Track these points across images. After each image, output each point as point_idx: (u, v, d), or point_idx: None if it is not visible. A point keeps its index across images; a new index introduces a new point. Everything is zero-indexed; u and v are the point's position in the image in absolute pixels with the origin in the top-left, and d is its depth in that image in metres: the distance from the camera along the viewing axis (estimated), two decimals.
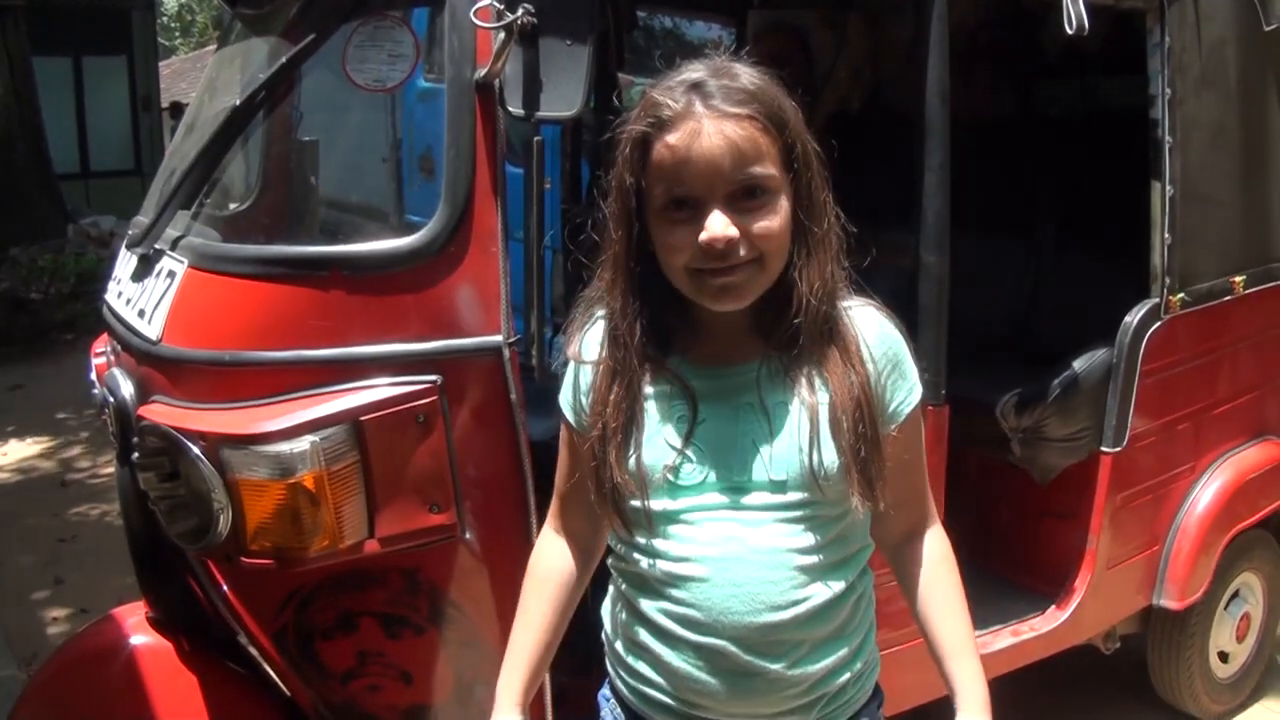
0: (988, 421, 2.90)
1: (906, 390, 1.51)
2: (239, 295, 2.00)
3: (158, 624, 2.28)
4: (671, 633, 1.48)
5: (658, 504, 1.46)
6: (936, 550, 1.61)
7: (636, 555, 1.50)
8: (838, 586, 1.48)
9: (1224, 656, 3.42)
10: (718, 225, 1.34)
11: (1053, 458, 2.95)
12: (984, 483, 3.16)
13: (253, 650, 2.13)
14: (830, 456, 1.42)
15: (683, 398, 1.46)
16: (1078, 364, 2.89)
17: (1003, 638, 2.84)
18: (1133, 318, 2.90)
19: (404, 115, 2.60)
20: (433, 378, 1.95)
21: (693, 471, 1.45)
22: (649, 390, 1.47)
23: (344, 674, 2.05)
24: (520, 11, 1.83)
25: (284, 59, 2.12)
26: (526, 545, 2.02)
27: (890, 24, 3.89)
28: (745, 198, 1.36)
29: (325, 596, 2.00)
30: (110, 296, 2.38)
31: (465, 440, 1.97)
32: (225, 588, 2.04)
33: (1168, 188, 2.85)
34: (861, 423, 1.43)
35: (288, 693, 2.16)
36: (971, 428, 2.76)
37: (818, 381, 1.43)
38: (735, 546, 1.44)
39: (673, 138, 1.35)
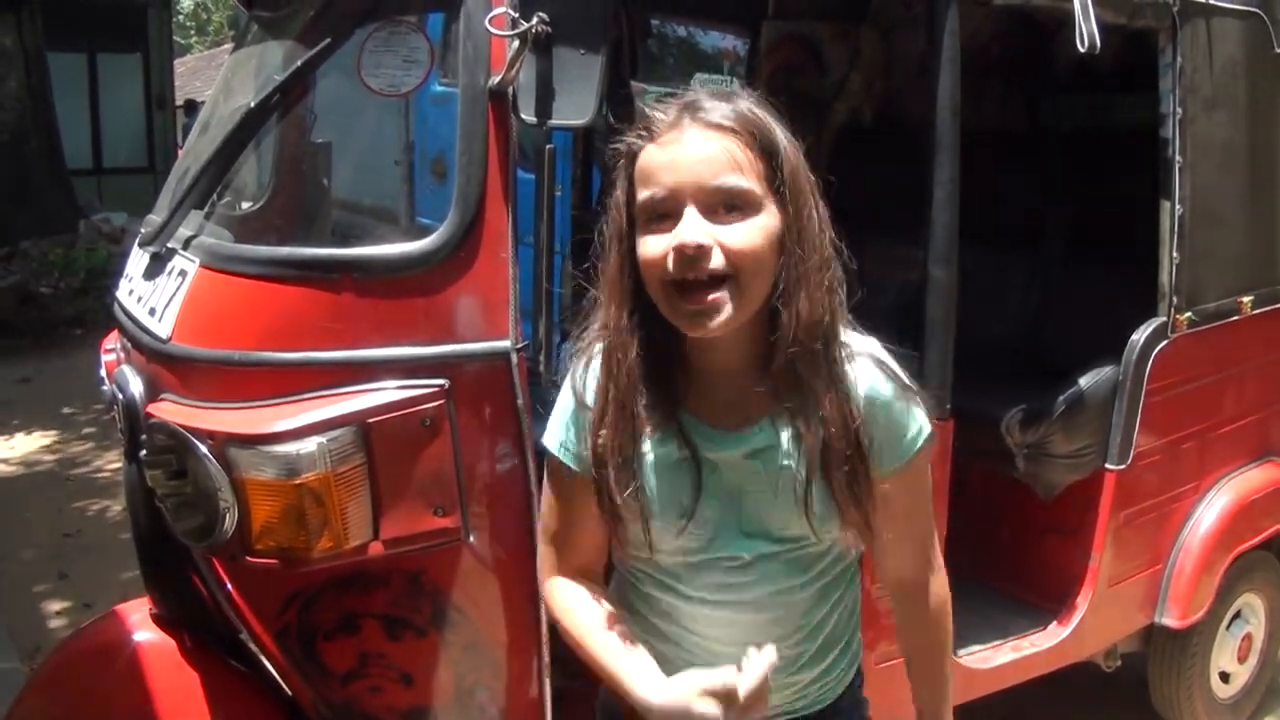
0: (993, 436, 2.90)
1: (904, 446, 1.49)
2: (250, 296, 2.01)
3: (161, 621, 2.29)
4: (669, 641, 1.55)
5: (664, 561, 1.50)
6: (934, 602, 1.64)
7: (651, 582, 1.56)
8: (824, 607, 1.54)
9: (1225, 677, 3.42)
10: (687, 229, 1.34)
11: (1057, 474, 2.95)
12: (988, 497, 3.16)
13: (255, 649, 2.13)
14: (825, 506, 1.43)
15: (688, 466, 1.45)
16: (1084, 381, 2.89)
17: (1004, 653, 2.84)
18: (1140, 336, 2.90)
19: (417, 119, 2.61)
20: (440, 382, 1.95)
21: (698, 535, 1.47)
22: (652, 444, 1.45)
23: (345, 675, 2.06)
24: (534, 20, 1.84)
25: (299, 62, 2.13)
26: (530, 550, 2.03)
27: (902, 37, 3.90)
28: (725, 210, 1.35)
29: (328, 597, 2.01)
30: (121, 294, 2.39)
31: (471, 444, 1.98)
32: (229, 586, 2.04)
33: (1177, 207, 2.86)
34: (855, 466, 1.42)
35: (289, 692, 2.16)
36: (976, 442, 2.76)
37: (814, 425, 1.40)
38: (733, 595, 1.49)
39: (657, 144, 1.38)
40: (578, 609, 1.54)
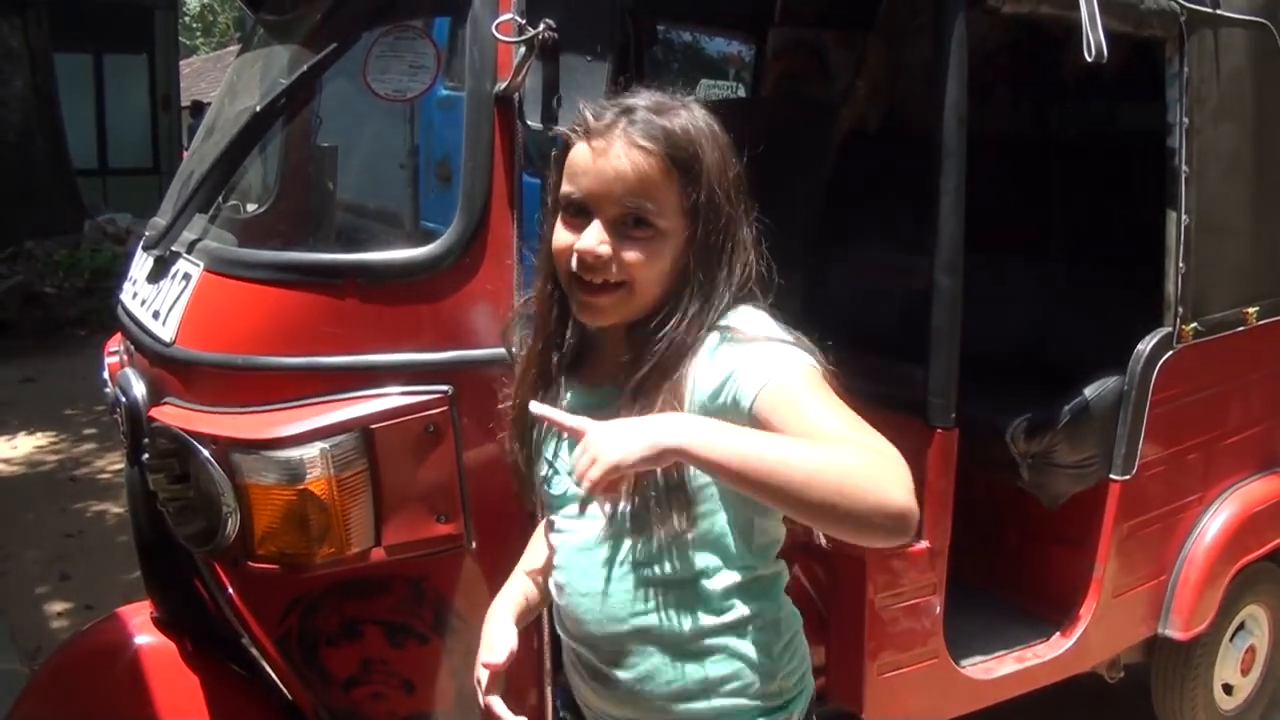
0: (997, 445, 2.89)
1: (753, 387, 1.34)
2: (253, 300, 2.01)
3: (162, 624, 2.29)
4: (562, 626, 1.61)
5: (545, 510, 1.61)
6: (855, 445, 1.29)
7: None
8: (682, 608, 1.48)
9: (1228, 689, 3.41)
10: (590, 238, 1.43)
11: (1061, 484, 2.94)
12: (992, 507, 3.15)
13: (256, 654, 2.13)
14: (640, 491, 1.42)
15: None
16: (1089, 391, 2.88)
17: (1007, 664, 2.83)
18: (1145, 346, 2.90)
19: (423, 122, 2.60)
20: (444, 388, 1.95)
21: (559, 483, 1.55)
22: (546, 393, 1.56)
23: (347, 681, 2.06)
24: (541, 26, 1.85)
25: (305, 66, 2.14)
26: None
27: (909, 45, 3.89)
28: (631, 224, 1.43)
29: (330, 603, 2.01)
30: (125, 297, 2.39)
31: (474, 451, 1.98)
32: (231, 591, 2.04)
33: (1183, 217, 2.85)
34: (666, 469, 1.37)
35: (290, 697, 2.16)
36: (981, 451, 2.75)
37: (641, 406, 1.41)
38: (585, 558, 1.53)
39: (585, 145, 1.44)
40: (514, 573, 1.75)
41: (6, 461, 6.22)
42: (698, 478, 1.43)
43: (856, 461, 1.23)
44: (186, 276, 2.11)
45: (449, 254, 1.97)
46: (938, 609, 2.56)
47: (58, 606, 4.39)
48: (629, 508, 1.44)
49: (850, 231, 3.49)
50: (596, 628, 1.53)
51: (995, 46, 3.91)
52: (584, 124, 1.46)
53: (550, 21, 1.86)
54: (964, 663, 2.73)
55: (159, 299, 2.17)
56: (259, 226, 2.50)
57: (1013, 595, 3.13)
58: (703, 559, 1.48)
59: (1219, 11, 2.91)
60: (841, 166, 3.76)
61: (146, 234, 2.38)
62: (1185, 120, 2.82)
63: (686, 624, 1.49)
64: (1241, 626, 3.39)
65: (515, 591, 1.71)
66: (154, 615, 2.31)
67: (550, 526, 1.60)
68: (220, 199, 2.27)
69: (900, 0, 3.79)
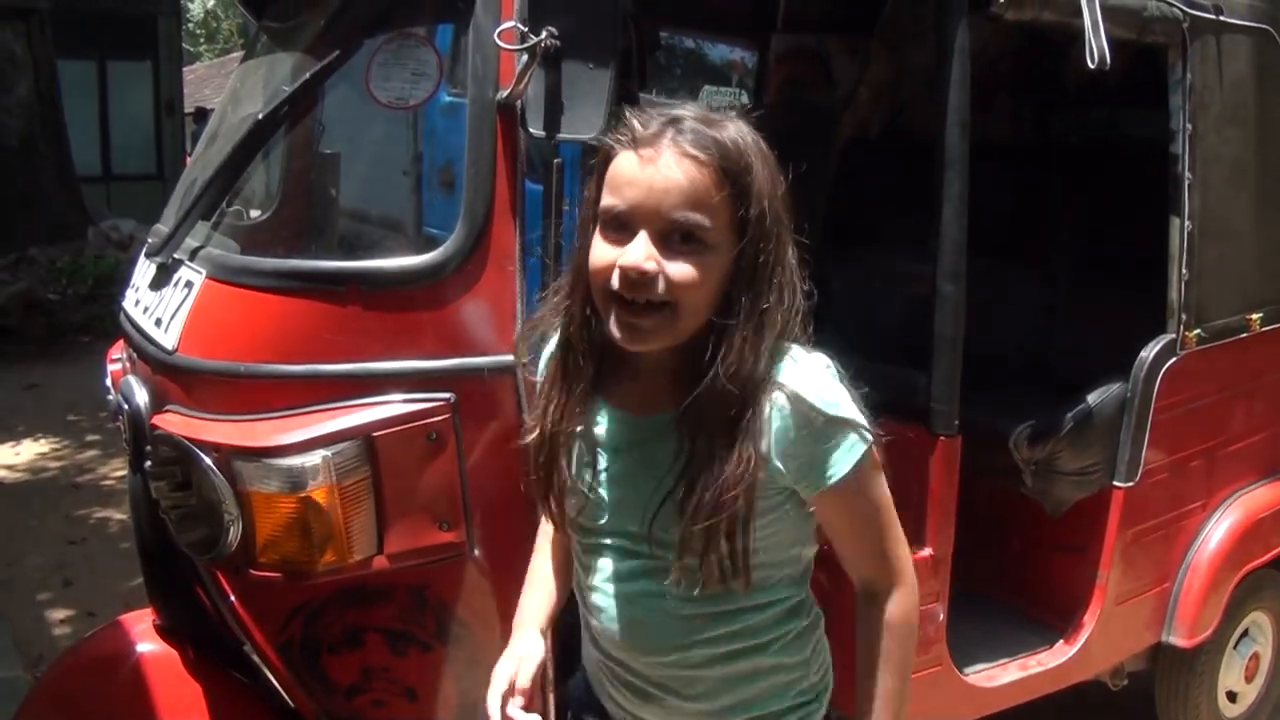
0: (1000, 452, 2.89)
1: (831, 461, 1.42)
2: (256, 307, 2.01)
3: (164, 632, 2.29)
4: (594, 642, 1.59)
5: (574, 539, 1.55)
6: (891, 615, 1.52)
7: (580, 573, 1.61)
8: (729, 636, 1.49)
9: (1232, 696, 3.40)
10: (636, 253, 1.34)
11: (1065, 491, 2.93)
12: (995, 514, 3.14)
13: (258, 661, 2.13)
14: (699, 535, 1.39)
15: (597, 441, 1.49)
16: (1092, 397, 2.88)
17: (1010, 671, 2.82)
18: (1148, 352, 2.89)
19: (425, 128, 2.61)
20: (446, 395, 1.95)
21: (597, 514, 1.50)
22: (576, 422, 1.49)
23: (349, 689, 2.05)
24: (544, 34, 1.84)
25: (308, 73, 2.14)
26: None
27: (912, 52, 3.89)
28: (679, 240, 1.35)
29: (332, 611, 2.01)
30: (128, 304, 2.39)
31: (477, 459, 1.98)
32: (233, 598, 2.04)
33: (1186, 223, 2.85)
34: (734, 512, 1.38)
35: (292, 705, 2.16)
36: (984, 458, 2.75)
37: (712, 448, 1.38)
38: (624, 589, 1.50)
39: (631, 155, 1.37)
40: (531, 575, 1.72)
41: (10, 468, 6.22)
42: (760, 554, 1.44)
43: (909, 640, 1.56)
44: (189, 284, 2.11)
45: (451, 261, 1.97)
46: (941, 616, 2.56)
47: (60, 614, 4.39)
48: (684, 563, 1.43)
49: (853, 237, 3.49)
50: (637, 655, 1.51)
51: (998, 53, 3.91)
52: (630, 132, 1.38)
53: (553, 29, 1.85)
54: (967, 670, 2.72)
55: (161, 306, 2.17)
56: (261, 234, 2.50)
57: (1016, 602, 3.12)
58: (751, 597, 1.49)
59: (1222, 18, 2.91)
60: (844, 172, 3.76)
61: (149, 241, 2.38)
62: (1188, 126, 2.82)
63: (733, 650, 1.50)
64: (1245, 634, 3.38)
65: (540, 600, 1.68)
66: (156, 623, 2.31)
67: (583, 549, 1.56)
68: (223, 206, 2.27)
69: (903, 6, 3.79)
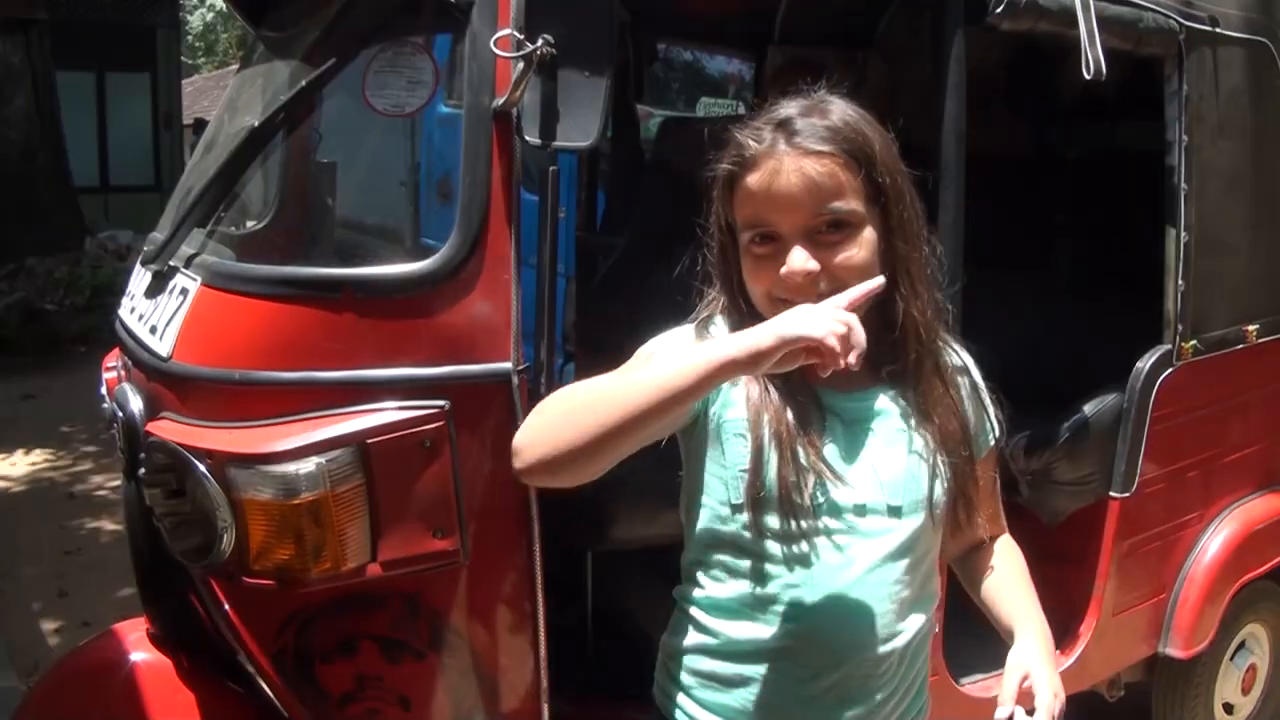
0: None
1: (991, 424, 1.62)
2: (251, 314, 2.00)
3: (158, 641, 2.28)
4: (767, 659, 1.47)
5: (781, 523, 1.43)
6: (1012, 549, 1.71)
7: (740, 576, 1.47)
8: (921, 621, 1.53)
9: (1229, 708, 3.39)
10: (797, 260, 1.38)
11: (1061, 501, 2.93)
12: None
13: (251, 670, 2.12)
14: (940, 487, 1.48)
15: (814, 417, 1.45)
16: (1088, 408, 2.88)
17: None
18: (1144, 363, 2.89)
19: (423, 140, 2.61)
20: (441, 403, 1.95)
21: (817, 492, 1.43)
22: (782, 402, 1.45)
23: (342, 697, 2.04)
24: (540, 42, 1.85)
25: (305, 82, 2.14)
26: (529, 573, 2.02)
27: (908, 63, 3.90)
28: (827, 232, 1.39)
29: (326, 619, 2.00)
30: (123, 312, 2.39)
31: (471, 466, 1.97)
32: (226, 607, 2.03)
33: (1182, 234, 2.85)
34: (965, 454, 1.51)
35: (285, 714, 2.15)
36: None
37: (929, 413, 1.48)
38: (850, 572, 1.45)
39: (754, 176, 1.40)
40: (605, 379, 1.44)
41: (5, 478, 6.21)
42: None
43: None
44: (184, 291, 2.10)
45: (446, 268, 1.97)
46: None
47: (55, 623, 4.38)
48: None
49: None
50: (856, 649, 1.45)
51: (995, 65, 3.91)
52: (741, 152, 1.42)
53: (549, 37, 1.86)
54: (963, 680, 2.72)
55: (156, 314, 2.17)
56: (257, 241, 2.51)
57: None
58: (936, 570, 1.59)
59: (1218, 30, 2.92)
60: None
61: (145, 248, 2.38)
62: (1184, 138, 2.83)
63: (921, 637, 1.55)
64: (1242, 645, 3.38)
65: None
66: (150, 631, 2.30)
67: (784, 538, 1.44)
68: (219, 214, 2.27)
69: (899, 18, 3.80)
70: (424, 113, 2.22)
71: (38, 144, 11.40)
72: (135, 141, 15.70)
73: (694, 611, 1.53)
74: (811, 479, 1.42)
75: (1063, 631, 2.96)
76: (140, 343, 2.19)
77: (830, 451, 1.45)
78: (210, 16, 35.93)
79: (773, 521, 1.44)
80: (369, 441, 1.90)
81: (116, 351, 2.49)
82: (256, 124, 2.16)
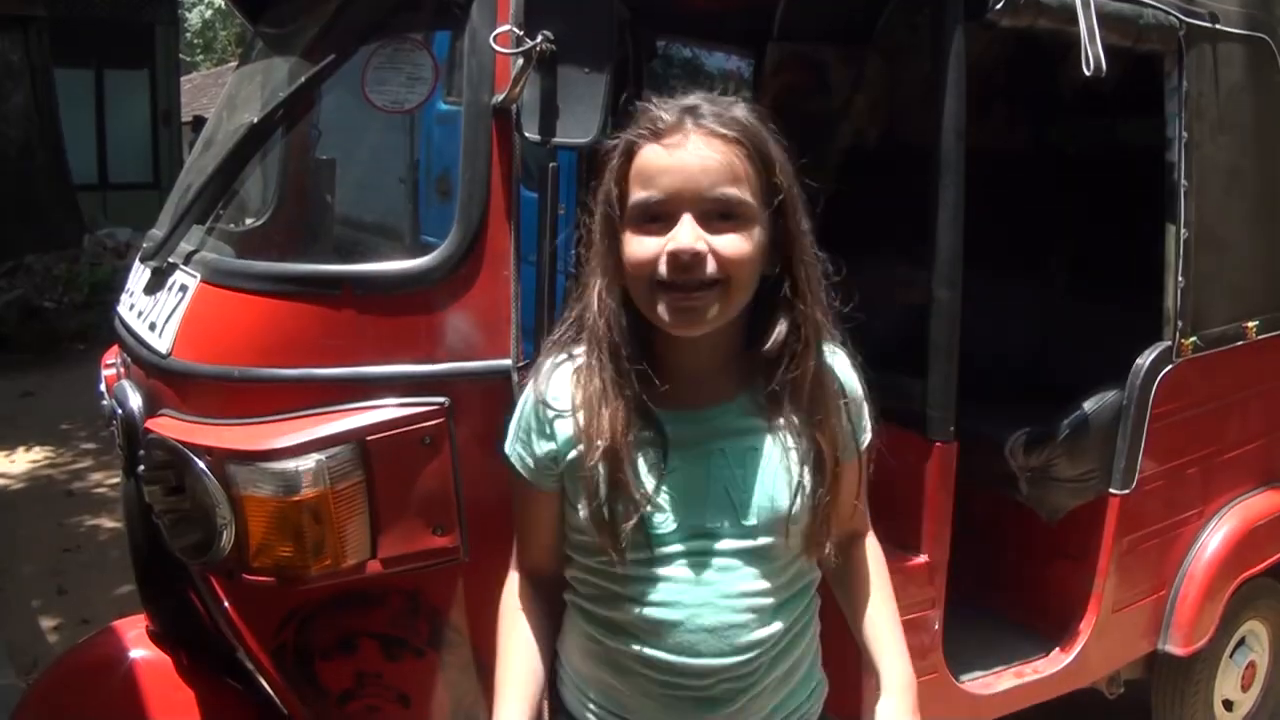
0: (996, 459, 2.89)
1: (861, 430, 1.58)
2: (250, 311, 2.00)
3: (157, 638, 2.28)
4: (637, 673, 1.51)
5: (632, 554, 1.46)
6: (872, 558, 1.69)
7: (606, 598, 1.52)
8: (790, 621, 1.53)
9: (1229, 705, 3.39)
10: (685, 235, 1.36)
11: (1061, 498, 2.93)
12: (991, 521, 3.14)
13: (251, 667, 2.12)
14: (800, 503, 1.45)
15: (655, 444, 1.46)
16: (1088, 405, 2.87)
17: (1005, 679, 2.82)
18: (1144, 360, 2.89)
19: (422, 137, 2.61)
20: (441, 400, 1.94)
21: (664, 520, 1.46)
22: (627, 429, 1.45)
23: (342, 694, 2.04)
24: (539, 38, 1.84)
25: (304, 78, 2.14)
26: None
27: (908, 60, 3.90)
28: (719, 218, 1.38)
29: (325, 616, 2.00)
30: (122, 308, 2.39)
31: (471, 463, 1.97)
32: (226, 604, 2.03)
33: (1182, 231, 2.85)
34: (827, 471, 1.47)
35: (285, 711, 2.15)
36: (980, 465, 2.75)
37: (792, 427, 1.46)
38: (706, 592, 1.46)
39: (656, 148, 1.39)
40: (509, 630, 1.59)
41: (4, 476, 6.21)
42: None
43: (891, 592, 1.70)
44: (183, 288, 2.10)
45: (445, 265, 1.97)
46: (936, 624, 2.55)
47: (54, 621, 4.38)
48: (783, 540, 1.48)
49: (848, 245, 3.49)
50: (718, 659, 1.47)
51: (994, 62, 3.91)
52: (652, 124, 1.40)
53: (548, 33, 1.85)
54: (963, 678, 2.72)
55: (155, 310, 2.17)
56: (256, 238, 2.50)
57: (1012, 610, 3.12)
58: (807, 569, 1.56)
59: (1218, 26, 2.91)
60: (840, 181, 3.76)
61: (144, 245, 2.37)
62: (1184, 134, 2.82)
63: (797, 638, 1.55)
64: (1242, 642, 3.38)
65: (524, 675, 1.55)
66: (149, 629, 2.30)
67: (638, 567, 1.47)
68: (218, 211, 2.26)
69: (899, 15, 3.79)
70: (423, 109, 2.21)
71: (36, 141, 11.39)
72: (134, 139, 15.69)
73: (575, 616, 1.59)
74: (655, 508, 1.45)
75: (1062, 628, 2.96)
76: (139, 340, 2.18)
77: (675, 480, 1.46)
78: (209, 13, 35.94)
79: (628, 552, 1.46)
80: (369, 438, 1.90)
81: (115, 349, 2.49)
82: (255, 121, 2.16)
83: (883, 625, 1.64)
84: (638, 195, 1.40)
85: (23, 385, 8.04)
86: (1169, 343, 2.91)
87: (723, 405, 1.48)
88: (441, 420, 1.94)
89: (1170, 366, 2.91)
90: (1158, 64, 2.83)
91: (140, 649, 2.27)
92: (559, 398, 1.49)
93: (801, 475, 1.46)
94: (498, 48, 1.88)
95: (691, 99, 1.43)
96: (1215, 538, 3.14)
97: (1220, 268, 3.01)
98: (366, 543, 1.93)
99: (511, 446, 1.56)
